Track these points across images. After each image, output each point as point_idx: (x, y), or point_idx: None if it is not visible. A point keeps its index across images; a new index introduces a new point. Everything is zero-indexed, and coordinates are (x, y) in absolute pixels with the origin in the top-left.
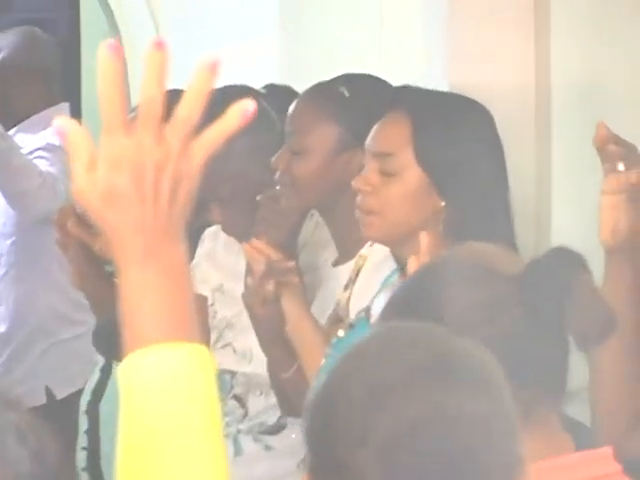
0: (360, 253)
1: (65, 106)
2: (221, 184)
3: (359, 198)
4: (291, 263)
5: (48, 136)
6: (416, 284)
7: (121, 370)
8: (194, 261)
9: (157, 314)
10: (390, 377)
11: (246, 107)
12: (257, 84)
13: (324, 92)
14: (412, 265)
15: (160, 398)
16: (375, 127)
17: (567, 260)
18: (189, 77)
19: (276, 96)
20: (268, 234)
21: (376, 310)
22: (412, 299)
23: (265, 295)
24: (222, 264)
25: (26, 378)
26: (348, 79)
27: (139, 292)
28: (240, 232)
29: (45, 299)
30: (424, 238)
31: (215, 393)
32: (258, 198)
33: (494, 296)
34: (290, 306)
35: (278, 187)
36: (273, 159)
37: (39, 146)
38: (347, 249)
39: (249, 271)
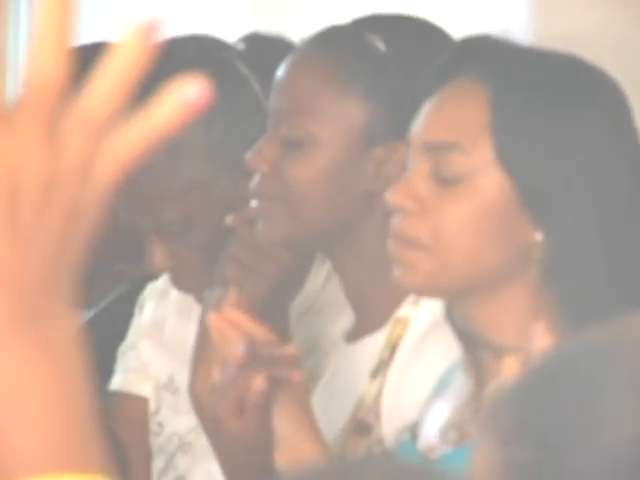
0: (398, 316)
1: None
2: (166, 203)
3: (397, 221)
4: (290, 349)
5: None
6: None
7: None
8: (128, 340)
9: (26, 423)
10: None
11: (191, 91)
12: (231, 34)
13: (343, 45)
14: (510, 369)
15: None
16: (428, 104)
17: None
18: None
19: (262, 53)
20: (244, 289)
21: (429, 430)
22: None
23: (245, 399)
24: (174, 343)
25: None
26: (384, 24)
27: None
28: (201, 285)
29: None
30: (538, 329)
31: None
32: (228, 222)
33: None
34: (286, 419)
35: (255, 203)
36: (250, 154)
37: None
38: (371, 311)
39: (214, 358)
